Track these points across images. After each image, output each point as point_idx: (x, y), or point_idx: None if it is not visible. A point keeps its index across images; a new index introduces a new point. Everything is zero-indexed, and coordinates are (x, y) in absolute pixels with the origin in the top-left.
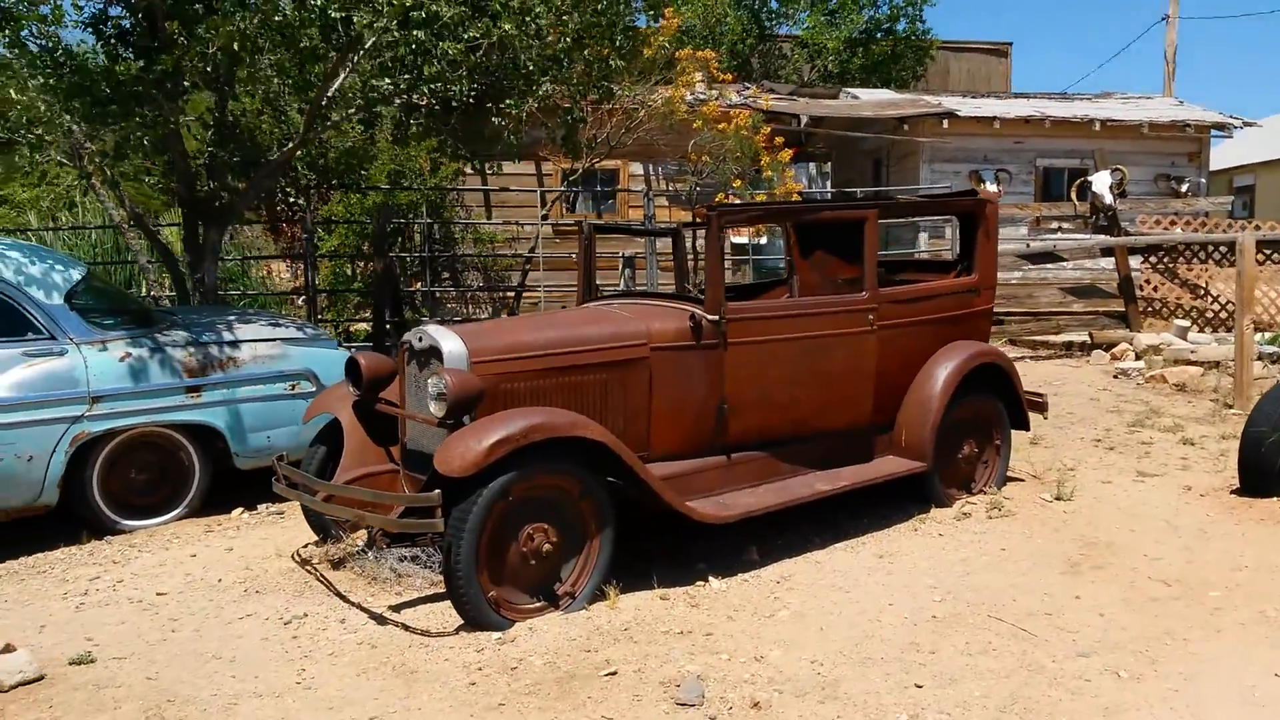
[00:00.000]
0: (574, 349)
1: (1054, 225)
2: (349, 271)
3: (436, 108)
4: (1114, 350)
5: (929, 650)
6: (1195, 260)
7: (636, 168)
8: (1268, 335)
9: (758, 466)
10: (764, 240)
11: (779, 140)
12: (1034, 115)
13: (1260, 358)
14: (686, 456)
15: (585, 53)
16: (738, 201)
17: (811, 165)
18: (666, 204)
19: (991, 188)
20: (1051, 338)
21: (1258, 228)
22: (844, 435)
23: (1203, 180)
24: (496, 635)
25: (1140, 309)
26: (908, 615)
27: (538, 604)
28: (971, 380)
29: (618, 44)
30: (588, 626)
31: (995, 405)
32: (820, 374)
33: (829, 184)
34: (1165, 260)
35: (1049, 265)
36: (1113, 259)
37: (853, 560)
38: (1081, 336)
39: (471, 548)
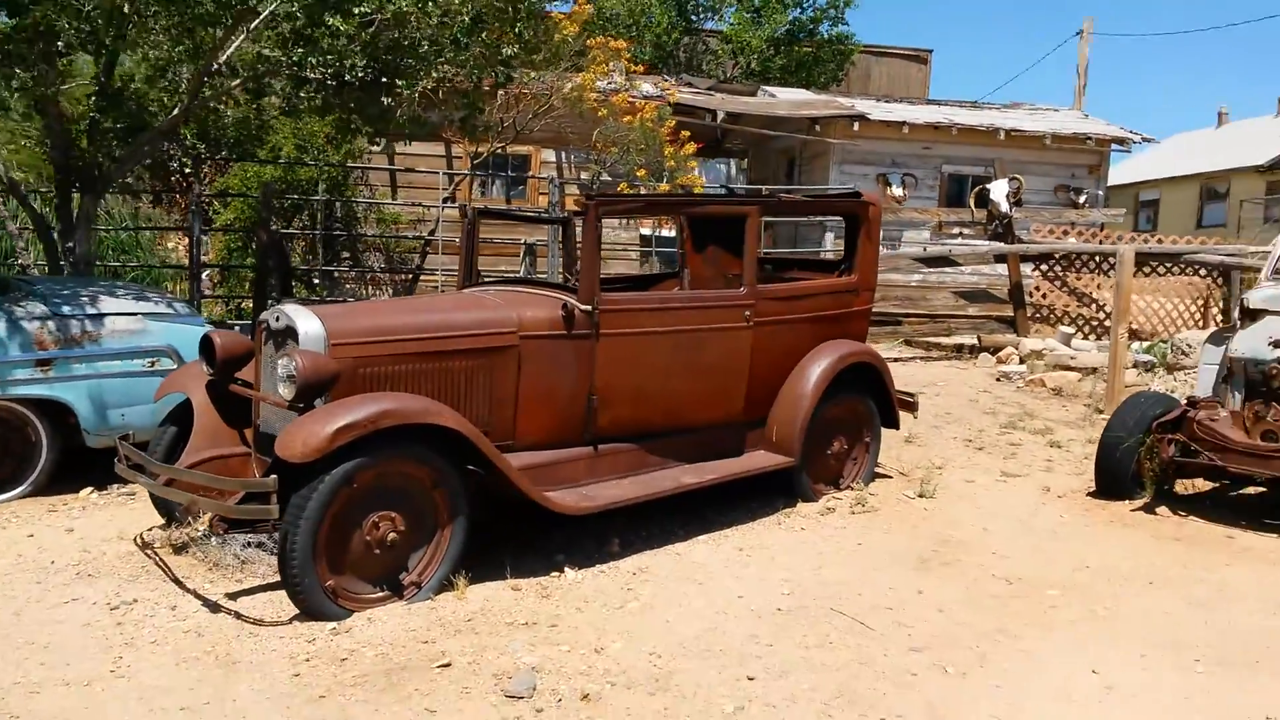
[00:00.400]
0: (440, 334)
1: (955, 231)
2: (247, 247)
3: (330, 82)
4: (1000, 354)
5: (768, 643)
6: (1084, 270)
7: (549, 154)
8: (1145, 344)
9: (626, 458)
10: (671, 232)
11: (684, 134)
12: (942, 122)
13: (1135, 365)
14: (554, 446)
15: (483, 35)
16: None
17: (732, 162)
18: (579, 192)
19: (898, 191)
20: (944, 340)
21: (1146, 240)
22: (716, 429)
23: (1100, 192)
24: (331, 625)
25: (1029, 315)
26: (754, 608)
27: (381, 594)
28: (845, 379)
29: (517, 28)
30: (430, 617)
31: (867, 404)
32: (694, 368)
33: (745, 181)
34: (1056, 269)
35: (947, 269)
36: (1006, 265)
37: (713, 553)
38: (971, 339)
39: (309, 535)
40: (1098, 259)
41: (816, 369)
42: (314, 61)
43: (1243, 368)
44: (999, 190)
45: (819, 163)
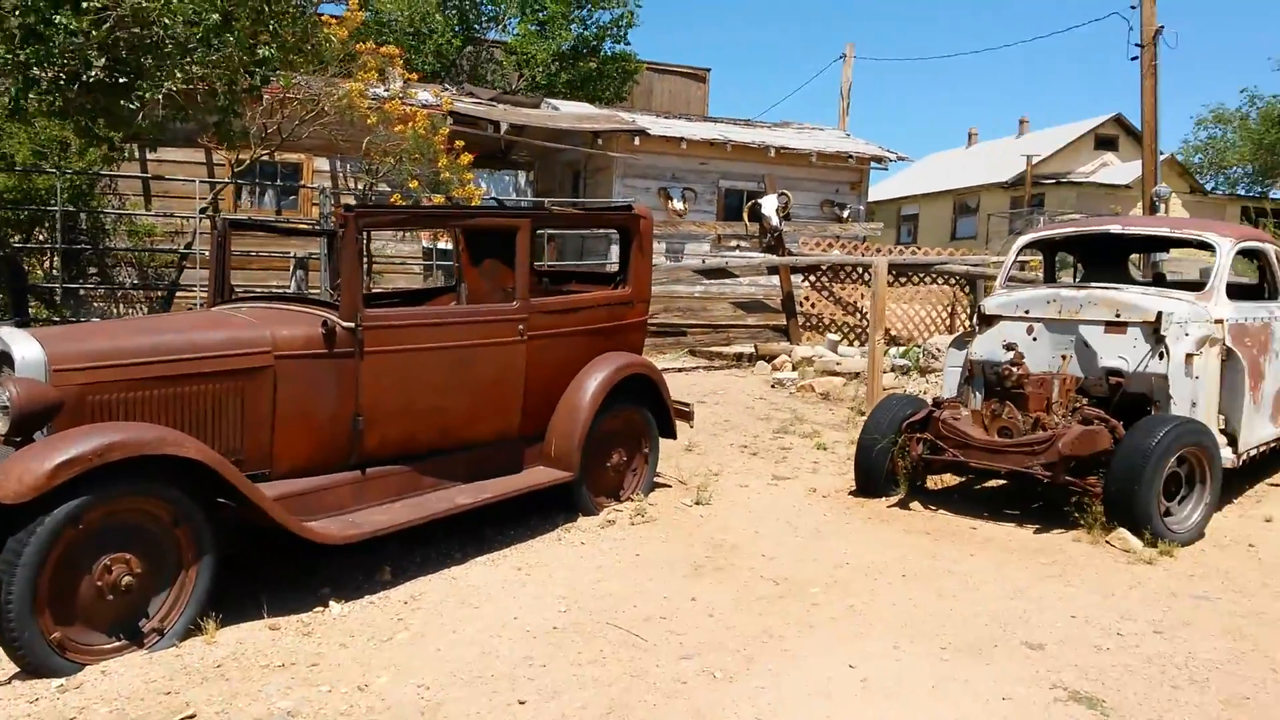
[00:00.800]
0: (182, 356)
1: (733, 243)
2: None
3: (65, 84)
4: (775, 362)
5: (542, 664)
6: (849, 280)
7: (322, 163)
8: (901, 349)
9: (396, 481)
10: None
11: (459, 143)
12: (718, 139)
13: (892, 369)
14: (316, 472)
15: (235, 34)
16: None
17: (520, 174)
18: (352, 203)
19: (679, 205)
20: (725, 349)
21: (901, 251)
22: (492, 446)
23: (861, 207)
24: (58, 682)
25: (800, 323)
26: (530, 628)
27: (118, 643)
28: (622, 391)
29: (272, 27)
30: (174, 666)
31: (644, 415)
32: (467, 384)
33: (532, 193)
34: (823, 279)
35: (727, 281)
36: (778, 276)
37: (490, 574)
38: (750, 348)
39: (27, 584)
40: (859, 270)
41: (593, 382)
42: (46, 61)
43: (981, 369)
44: (770, 205)
45: (603, 176)
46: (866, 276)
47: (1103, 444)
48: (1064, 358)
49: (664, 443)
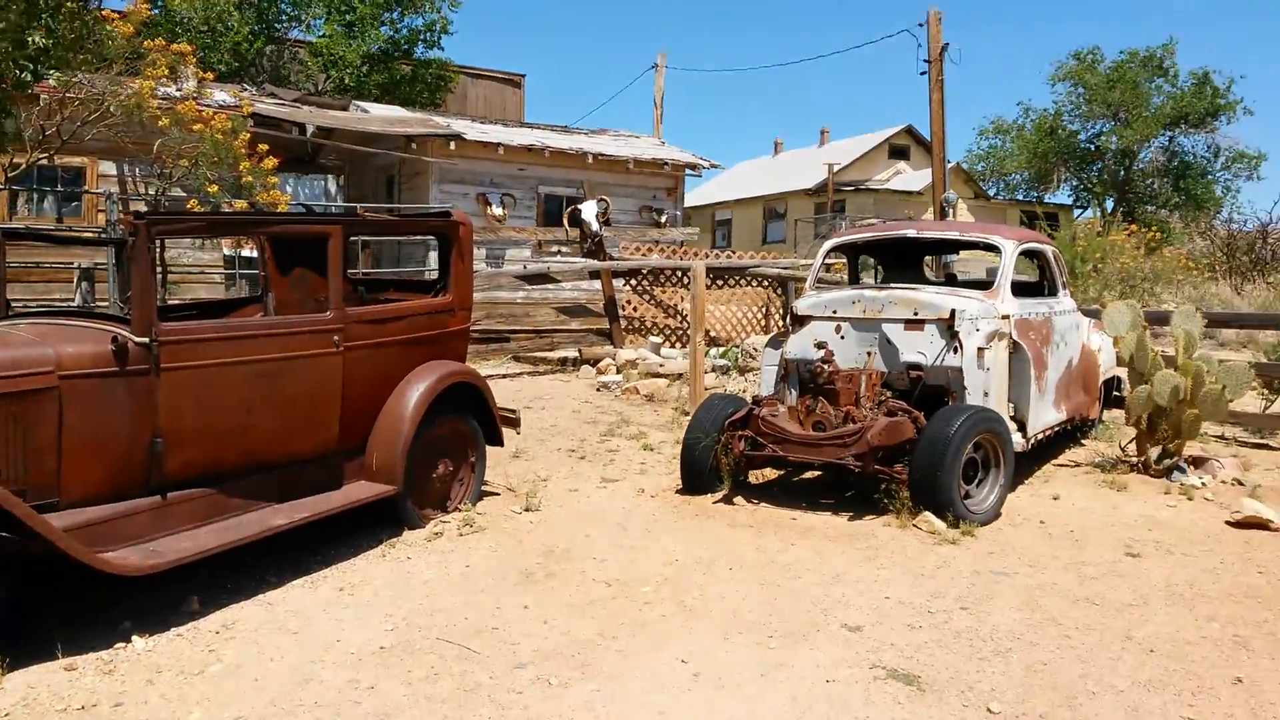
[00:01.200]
0: None
1: (554, 249)
2: None
3: None
4: (599, 365)
5: (369, 686)
6: (669, 284)
7: (109, 167)
8: (721, 349)
9: (203, 505)
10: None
11: (262, 147)
12: (535, 145)
13: (713, 369)
14: (112, 499)
15: (2, 25)
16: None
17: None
18: (146, 209)
19: (498, 211)
20: (550, 354)
21: (717, 255)
22: (309, 463)
23: (679, 213)
24: None
25: (623, 327)
26: (354, 651)
27: None
28: (445, 400)
29: (44, 20)
30: None
31: (469, 424)
32: (279, 400)
33: (343, 199)
34: (644, 283)
35: (550, 286)
36: (600, 281)
37: (310, 597)
38: (574, 353)
39: None
40: (679, 273)
41: (415, 392)
42: None
43: (795, 367)
44: (589, 210)
45: (419, 181)
46: (686, 280)
47: (907, 434)
48: (869, 354)
49: (492, 451)
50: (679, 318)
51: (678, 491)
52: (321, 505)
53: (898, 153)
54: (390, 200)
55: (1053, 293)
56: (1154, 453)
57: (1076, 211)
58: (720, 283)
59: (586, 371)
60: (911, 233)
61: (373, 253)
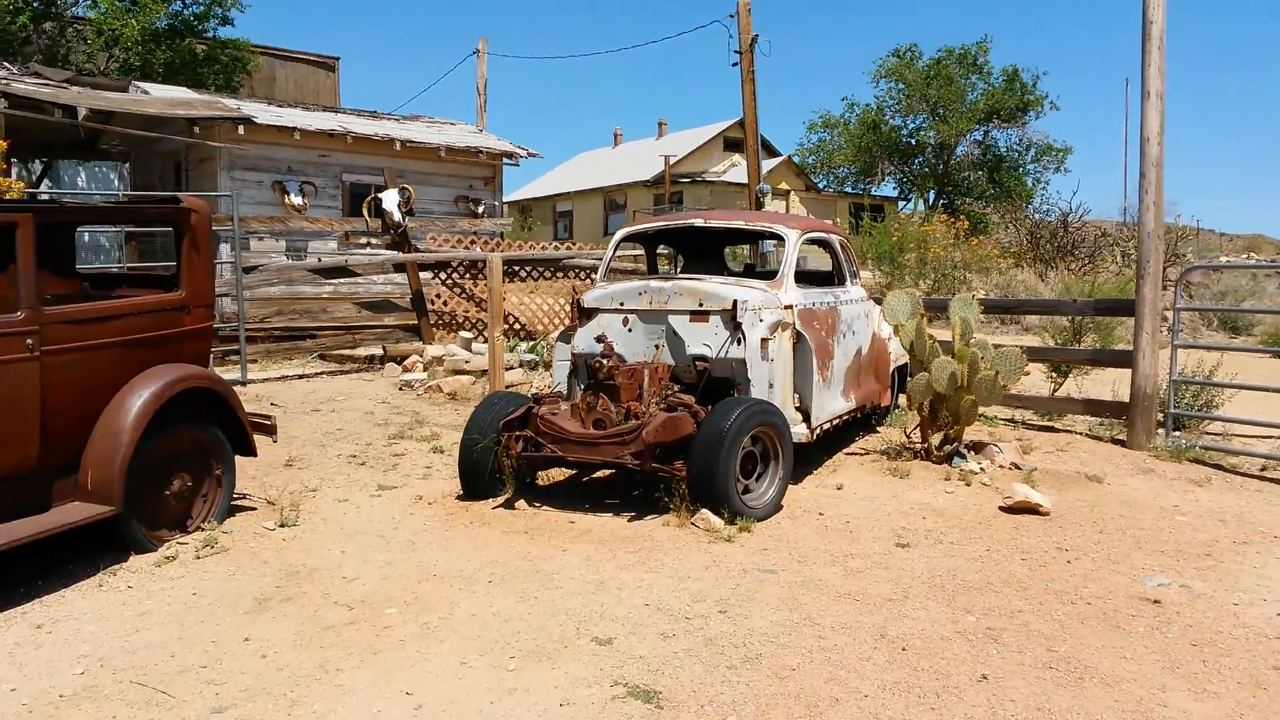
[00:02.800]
0: None
1: (363, 241)
2: None
3: None
4: (406, 362)
5: None
6: (482, 276)
7: None
8: (532, 344)
9: None
10: None
11: None
12: (338, 130)
13: (522, 364)
14: None
15: None
16: None
17: (119, 166)
18: None
19: (297, 200)
20: (357, 351)
21: (558, 247)
22: (7, 483)
23: (497, 203)
24: None
25: (433, 322)
26: (28, 701)
27: None
28: (178, 407)
29: None
30: None
31: (212, 433)
32: None
33: (128, 187)
34: (454, 275)
35: (360, 279)
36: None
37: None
38: (380, 350)
39: None
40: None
41: (137, 400)
42: None
43: (583, 362)
44: (390, 200)
45: (207, 168)
46: (507, 273)
47: (685, 429)
48: (657, 347)
49: (260, 460)
50: None
51: (458, 498)
52: (22, 531)
53: (732, 145)
54: (179, 188)
55: (841, 282)
56: (936, 439)
57: (901, 203)
58: (536, 275)
59: (392, 369)
60: (699, 222)
61: (137, 246)
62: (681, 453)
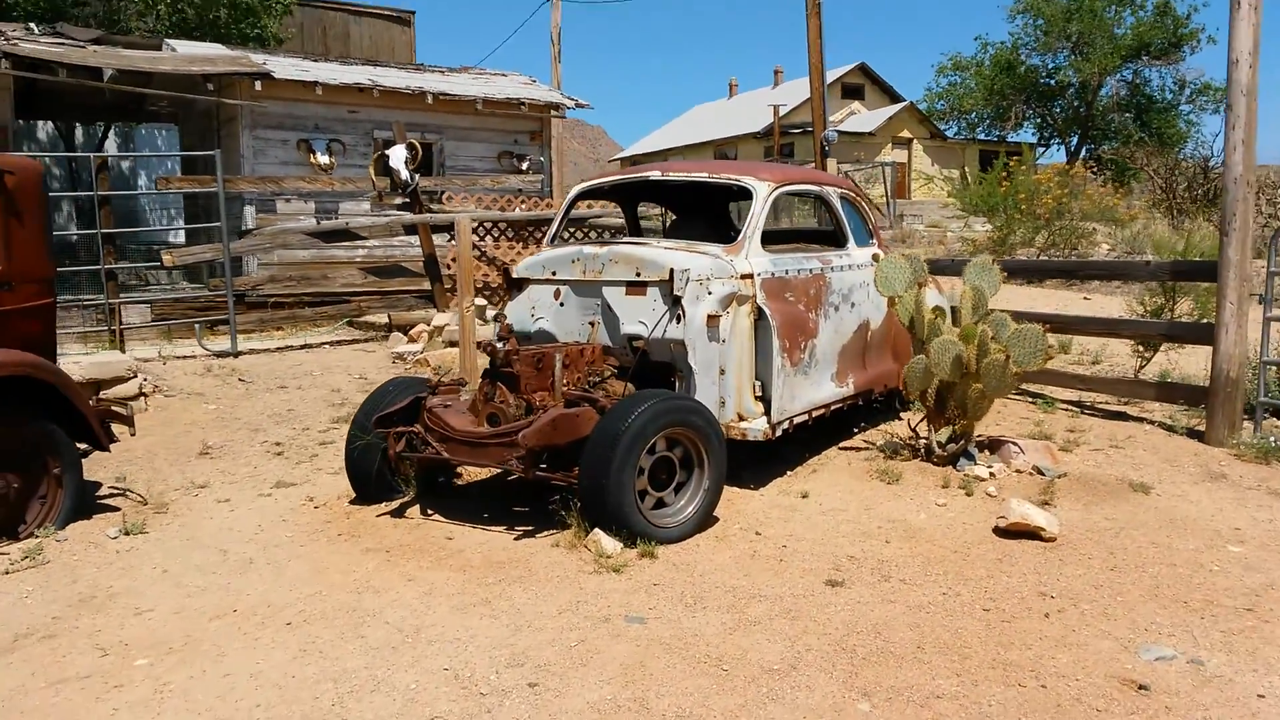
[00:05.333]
0: None
1: (397, 202)
2: None
3: None
4: (412, 332)
5: None
6: (506, 238)
7: None
8: None
9: None
10: None
11: None
12: (364, 83)
13: None
14: None
15: None
16: None
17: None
18: None
19: (324, 159)
20: (372, 319)
21: (590, 206)
22: None
23: (544, 159)
24: None
25: (448, 287)
26: None
27: None
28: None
29: None
30: None
31: (46, 428)
32: None
33: (180, 147)
34: (473, 238)
35: (395, 242)
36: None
37: None
38: (400, 317)
39: None
40: (531, 227)
41: None
42: None
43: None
44: (398, 156)
45: (234, 127)
46: (539, 234)
47: (584, 430)
48: (592, 324)
49: (178, 448)
50: None
51: (351, 501)
52: None
53: (851, 91)
54: (212, 148)
55: (842, 244)
56: (942, 435)
57: (1038, 150)
58: (568, 236)
59: (398, 339)
60: (656, 174)
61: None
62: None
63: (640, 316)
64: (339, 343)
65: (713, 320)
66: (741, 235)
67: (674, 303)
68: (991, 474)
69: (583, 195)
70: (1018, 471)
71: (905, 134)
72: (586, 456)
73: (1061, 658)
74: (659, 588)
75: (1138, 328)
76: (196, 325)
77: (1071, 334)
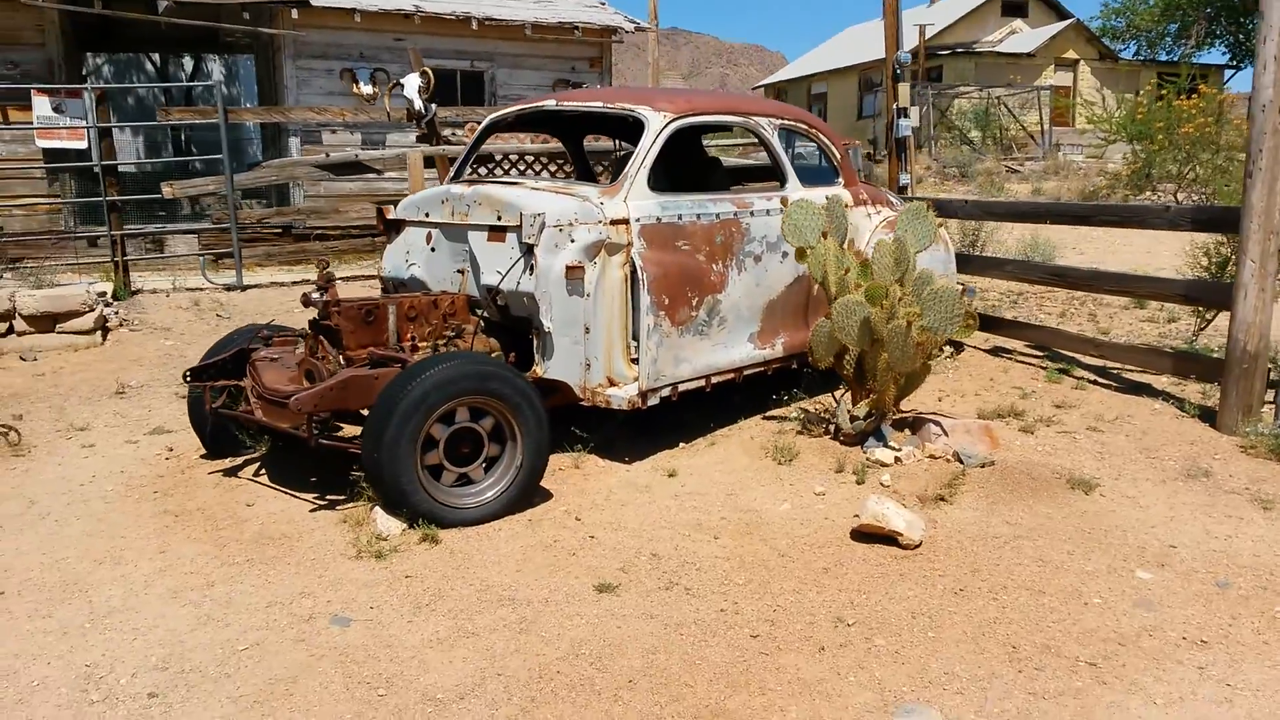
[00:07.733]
0: None
1: (447, 132)
2: None
3: None
4: None
5: None
6: (531, 171)
7: None
8: None
9: None
10: None
11: None
12: (406, 8)
13: None
14: None
15: None
16: None
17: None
18: None
19: (367, 89)
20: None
21: None
22: None
23: (600, 86)
24: None
25: None
26: None
27: None
28: None
29: None
30: None
31: None
32: None
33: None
34: (499, 171)
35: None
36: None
37: None
38: None
39: None
40: (559, 161)
41: None
42: None
43: (392, 287)
44: (411, 86)
45: (277, 59)
46: (569, 168)
47: (372, 396)
48: (462, 272)
49: (98, 385)
50: None
51: (202, 456)
52: None
53: (1013, 9)
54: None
55: (782, 184)
56: (860, 409)
57: (1228, 73)
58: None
59: None
60: (551, 104)
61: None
62: None
63: (498, 265)
64: (353, 278)
65: (574, 271)
66: (622, 174)
67: (528, 251)
68: (898, 459)
69: (491, 128)
70: (931, 457)
71: (1070, 54)
72: (366, 425)
73: (791, 712)
74: (409, 581)
75: (1153, 286)
76: (201, 259)
77: (1081, 291)
